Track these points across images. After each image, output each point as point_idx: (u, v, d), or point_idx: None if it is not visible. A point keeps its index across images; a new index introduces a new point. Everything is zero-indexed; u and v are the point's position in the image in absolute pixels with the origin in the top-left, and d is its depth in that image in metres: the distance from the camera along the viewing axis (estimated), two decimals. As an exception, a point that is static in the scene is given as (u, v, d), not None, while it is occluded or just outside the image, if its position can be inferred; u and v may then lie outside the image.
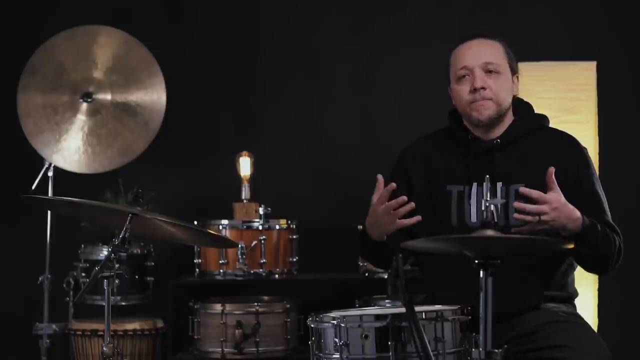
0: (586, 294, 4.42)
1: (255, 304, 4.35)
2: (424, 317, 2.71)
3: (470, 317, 2.81)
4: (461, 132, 3.25)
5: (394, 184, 3.08)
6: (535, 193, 2.90)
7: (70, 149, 4.58)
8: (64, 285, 4.52)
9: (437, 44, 4.85)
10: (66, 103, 4.61)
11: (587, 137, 4.61)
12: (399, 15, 5.03)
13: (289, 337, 4.35)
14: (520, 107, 3.28)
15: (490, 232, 2.61)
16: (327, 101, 5.05)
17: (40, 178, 4.51)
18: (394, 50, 5.01)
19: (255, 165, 4.67)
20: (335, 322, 2.77)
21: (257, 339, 4.28)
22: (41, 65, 4.60)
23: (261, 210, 4.44)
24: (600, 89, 4.70)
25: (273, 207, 4.47)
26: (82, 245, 4.57)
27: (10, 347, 4.92)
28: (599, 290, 4.60)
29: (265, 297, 4.56)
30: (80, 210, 3.39)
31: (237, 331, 4.27)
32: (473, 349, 2.70)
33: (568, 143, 3.22)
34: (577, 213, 2.96)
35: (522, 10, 4.96)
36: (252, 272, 4.41)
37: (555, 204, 2.91)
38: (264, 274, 4.43)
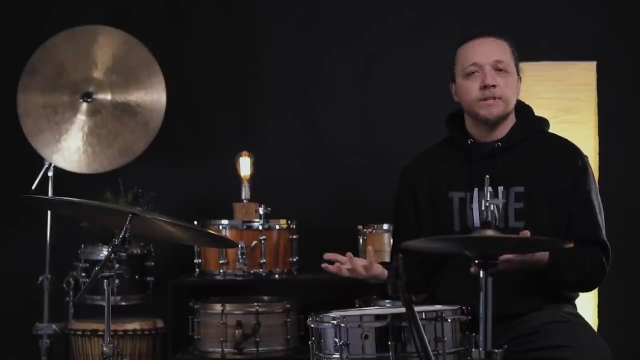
0: (586, 294, 4.42)
1: (255, 304, 4.35)
2: (424, 317, 2.71)
3: (470, 317, 2.82)
4: (461, 137, 3.25)
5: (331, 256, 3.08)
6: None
7: (70, 149, 4.58)
8: (64, 285, 4.52)
9: (435, 44, 4.88)
10: (66, 103, 4.61)
11: (587, 137, 4.61)
12: (397, 15, 5.03)
13: (289, 337, 4.35)
14: (522, 109, 3.27)
15: (490, 232, 2.61)
16: (326, 101, 5.05)
17: (40, 178, 4.51)
18: (393, 50, 5.01)
19: (255, 165, 4.67)
20: (335, 322, 2.77)
21: (257, 339, 4.28)
22: (41, 65, 4.60)
23: (261, 210, 4.44)
24: (599, 89, 4.70)
25: (273, 207, 4.47)
26: (82, 245, 4.57)
27: (10, 347, 4.92)
28: (599, 290, 4.60)
29: (265, 297, 4.56)
30: (80, 210, 3.39)
31: (237, 331, 4.27)
32: (473, 349, 2.70)
33: (569, 150, 3.22)
34: (539, 257, 2.98)
35: (521, 10, 4.96)
36: (252, 272, 4.41)
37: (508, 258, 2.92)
38: (264, 274, 4.43)
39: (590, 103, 4.68)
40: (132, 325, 4.43)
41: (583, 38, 4.91)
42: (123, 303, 4.50)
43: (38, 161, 4.55)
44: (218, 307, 4.32)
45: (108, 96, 4.62)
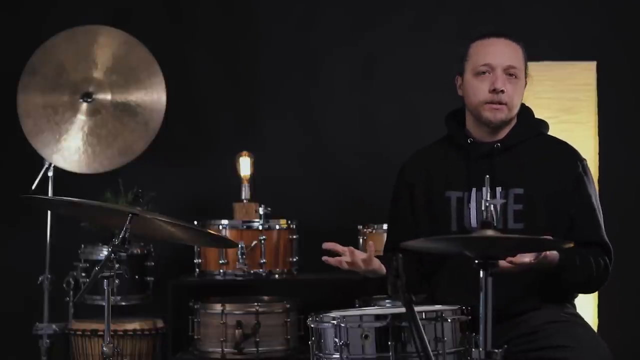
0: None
1: (255, 304, 4.35)
2: (424, 317, 2.72)
3: (470, 317, 2.82)
4: (460, 136, 3.25)
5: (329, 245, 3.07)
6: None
7: (70, 149, 4.58)
8: (64, 285, 4.52)
9: (435, 44, 4.88)
10: (66, 103, 4.61)
11: (587, 137, 4.62)
12: (397, 15, 5.03)
13: (289, 337, 4.35)
14: (522, 111, 3.26)
15: (490, 232, 2.61)
16: (326, 101, 5.05)
17: (40, 178, 4.51)
18: (393, 50, 5.01)
19: (255, 165, 4.67)
20: (335, 322, 2.77)
21: (257, 339, 4.28)
22: (41, 65, 4.60)
23: (261, 210, 4.44)
24: (600, 89, 4.70)
25: (273, 207, 4.47)
26: (82, 245, 4.57)
27: (10, 347, 4.92)
28: (599, 290, 4.60)
29: (265, 297, 4.56)
30: (80, 210, 3.39)
31: (237, 331, 4.27)
32: (473, 349, 2.70)
33: (568, 153, 3.22)
34: (550, 259, 2.96)
35: (522, 10, 4.96)
36: (252, 272, 4.41)
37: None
38: (264, 274, 4.43)
39: (590, 103, 4.68)
40: (132, 325, 4.43)
41: (583, 38, 4.91)
42: (123, 303, 4.50)
43: (38, 161, 4.55)
44: (218, 307, 4.32)
45: (108, 96, 4.62)
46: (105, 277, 2.99)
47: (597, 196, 3.19)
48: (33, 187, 4.48)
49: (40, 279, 4.54)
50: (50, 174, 4.54)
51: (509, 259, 2.87)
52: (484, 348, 2.61)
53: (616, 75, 4.83)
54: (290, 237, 4.52)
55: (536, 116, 3.32)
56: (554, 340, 2.99)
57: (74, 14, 4.95)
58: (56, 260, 4.57)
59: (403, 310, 2.53)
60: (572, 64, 4.70)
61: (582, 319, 3.17)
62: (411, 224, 3.26)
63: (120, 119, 4.61)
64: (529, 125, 3.26)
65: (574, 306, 3.22)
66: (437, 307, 2.89)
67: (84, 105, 4.61)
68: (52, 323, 4.54)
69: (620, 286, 4.29)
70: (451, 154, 3.26)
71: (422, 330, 2.51)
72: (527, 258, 2.89)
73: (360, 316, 2.78)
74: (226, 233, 4.42)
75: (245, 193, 4.62)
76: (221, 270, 4.43)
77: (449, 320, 2.77)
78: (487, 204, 2.66)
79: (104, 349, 3.02)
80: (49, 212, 4.56)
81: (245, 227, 4.45)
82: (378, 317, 2.75)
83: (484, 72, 3.16)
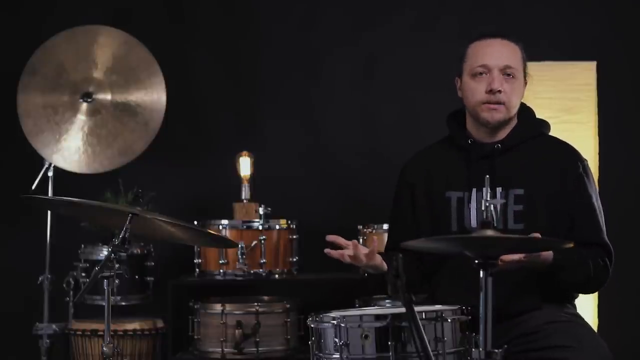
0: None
1: (255, 304, 4.35)
2: (424, 317, 2.71)
3: (470, 317, 2.82)
4: (461, 136, 3.25)
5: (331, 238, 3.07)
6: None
7: (70, 149, 4.58)
8: (64, 285, 4.52)
9: (436, 44, 4.88)
10: (66, 103, 4.61)
11: (587, 137, 4.62)
12: (398, 15, 5.03)
13: (289, 337, 4.35)
14: (523, 111, 3.26)
15: (490, 232, 2.61)
16: (327, 101, 5.05)
17: (40, 178, 4.51)
18: (394, 50, 5.01)
19: (255, 165, 4.67)
20: (335, 322, 2.77)
21: (257, 339, 4.28)
22: (41, 65, 4.60)
23: (261, 210, 4.44)
24: (600, 89, 4.70)
25: (273, 207, 4.47)
26: (82, 245, 4.57)
27: (10, 347, 4.92)
28: (599, 290, 4.60)
29: (265, 297, 4.56)
30: (80, 210, 3.39)
31: (237, 331, 4.27)
32: (473, 349, 2.69)
33: (569, 153, 3.21)
34: (543, 258, 2.97)
35: (522, 10, 4.96)
36: (252, 272, 4.41)
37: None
38: (264, 274, 4.43)
39: (591, 103, 4.68)
40: (132, 325, 4.43)
41: (583, 38, 4.91)
42: (123, 303, 4.50)
43: (38, 161, 4.55)
44: (218, 307, 4.32)
45: (108, 96, 4.62)
46: (105, 277, 2.99)
47: (598, 197, 3.18)
48: (33, 187, 4.48)
49: (40, 279, 4.54)
50: (50, 174, 4.54)
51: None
52: (484, 348, 2.61)
53: (616, 75, 4.83)
54: (290, 237, 4.52)
55: (537, 116, 3.32)
56: (554, 340, 2.99)
57: (74, 14, 4.95)
58: (56, 260, 4.57)
59: (403, 310, 2.53)
60: (572, 64, 4.71)
61: (582, 319, 3.17)
62: (412, 224, 3.26)
63: (120, 119, 4.61)
64: (530, 125, 3.25)
65: (574, 306, 3.22)
66: (437, 307, 2.89)
67: (84, 105, 4.61)
68: (52, 323, 4.54)
69: (620, 286, 4.29)
70: (452, 155, 3.26)
71: (422, 330, 2.51)
72: (516, 256, 2.89)
73: (360, 316, 2.78)
74: (226, 233, 4.42)
75: (245, 193, 4.62)
76: (221, 270, 4.43)
77: (449, 320, 2.77)
78: (487, 204, 2.66)
79: (104, 349, 3.02)
80: (49, 212, 4.56)
81: (245, 227, 4.45)
82: (378, 317, 2.74)
83: (480, 73, 3.16)
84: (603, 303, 4.60)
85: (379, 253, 3.11)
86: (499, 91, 3.13)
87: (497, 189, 3.10)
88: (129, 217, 3.02)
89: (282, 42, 5.08)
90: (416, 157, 3.37)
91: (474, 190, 3.14)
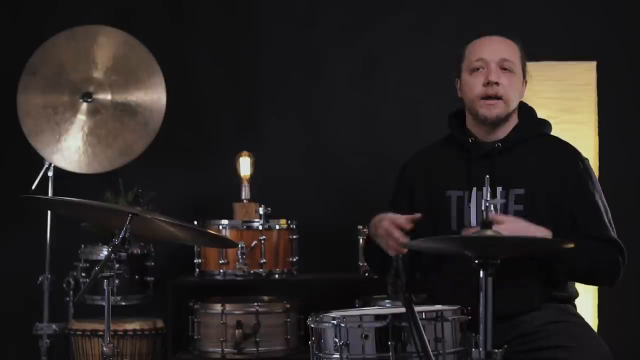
0: (586, 294, 4.43)
1: (255, 304, 4.35)
2: (424, 317, 2.71)
3: (470, 317, 2.82)
4: (462, 135, 3.25)
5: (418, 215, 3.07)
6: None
7: (70, 149, 4.58)
8: (64, 285, 4.52)
9: (436, 44, 4.88)
10: (66, 103, 4.61)
11: (587, 137, 4.62)
12: (398, 15, 5.03)
13: (289, 337, 4.35)
14: (524, 111, 3.27)
15: (490, 232, 2.61)
16: (327, 101, 5.05)
17: (40, 178, 4.51)
18: (393, 50, 5.01)
19: (255, 165, 4.67)
20: (335, 322, 2.77)
21: (257, 339, 4.28)
22: (41, 65, 4.60)
23: (261, 210, 4.44)
24: (600, 89, 4.70)
25: (273, 207, 4.47)
26: (82, 245, 4.57)
27: (10, 347, 4.92)
28: (599, 290, 4.60)
29: (265, 297, 4.56)
30: (80, 210, 3.38)
31: (237, 331, 4.27)
32: (473, 349, 2.70)
33: (570, 153, 3.21)
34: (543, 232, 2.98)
35: (522, 10, 4.96)
36: (252, 272, 4.41)
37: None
38: (264, 274, 4.43)
39: (591, 103, 4.68)
40: (132, 325, 4.43)
41: (583, 38, 4.91)
42: (123, 303, 4.50)
43: (38, 161, 4.55)
44: (218, 307, 4.32)
45: (108, 96, 4.62)
46: (105, 277, 2.99)
47: (602, 195, 3.18)
48: (33, 187, 4.49)
49: (40, 279, 4.54)
50: (50, 174, 4.55)
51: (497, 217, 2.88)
52: (484, 348, 2.61)
53: (616, 75, 4.82)
54: (290, 237, 4.52)
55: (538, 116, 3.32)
56: (554, 340, 2.99)
57: (74, 14, 4.95)
58: (56, 260, 4.57)
59: (403, 310, 2.53)
60: (572, 64, 4.71)
61: (582, 319, 3.17)
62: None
63: (120, 119, 4.61)
64: (531, 125, 3.25)
65: (574, 306, 3.22)
66: (437, 307, 2.88)
67: (84, 105, 4.61)
68: (52, 323, 4.54)
69: (620, 286, 4.29)
70: (452, 154, 3.26)
71: (422, 330, 2.51)
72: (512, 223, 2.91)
73: (360, 316, 2.78)
74: (226, 233, 4.42)
75: (245, 193, 4.62)
76: (221, 270, 4.43)
77: (449, 320, 2.77)
78: (487, 204, 2.66)
79: (104, 349, 3.02)
80: (49, 212, 4.56)
81: (245, 227, 4.45)
82: (378, 317, 2.74)
83: (478, 68, 3.17)
84: (603, 303, 4.60)
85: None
86: (496, 83, 3.13)
87: (497, 188, 3.10)
88: (129, 217, 3.01)
89: (282, 42, 5.08)
90: (416, 155, 3.37)
91: (474, 189, 3.14)
